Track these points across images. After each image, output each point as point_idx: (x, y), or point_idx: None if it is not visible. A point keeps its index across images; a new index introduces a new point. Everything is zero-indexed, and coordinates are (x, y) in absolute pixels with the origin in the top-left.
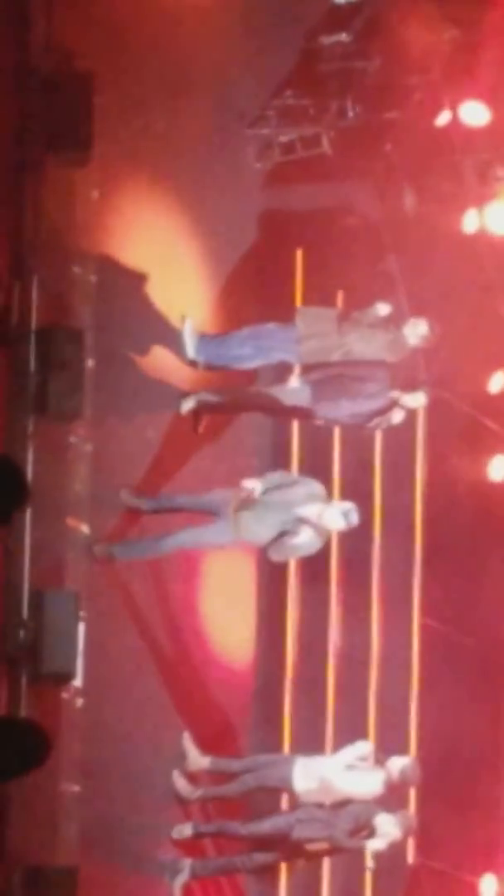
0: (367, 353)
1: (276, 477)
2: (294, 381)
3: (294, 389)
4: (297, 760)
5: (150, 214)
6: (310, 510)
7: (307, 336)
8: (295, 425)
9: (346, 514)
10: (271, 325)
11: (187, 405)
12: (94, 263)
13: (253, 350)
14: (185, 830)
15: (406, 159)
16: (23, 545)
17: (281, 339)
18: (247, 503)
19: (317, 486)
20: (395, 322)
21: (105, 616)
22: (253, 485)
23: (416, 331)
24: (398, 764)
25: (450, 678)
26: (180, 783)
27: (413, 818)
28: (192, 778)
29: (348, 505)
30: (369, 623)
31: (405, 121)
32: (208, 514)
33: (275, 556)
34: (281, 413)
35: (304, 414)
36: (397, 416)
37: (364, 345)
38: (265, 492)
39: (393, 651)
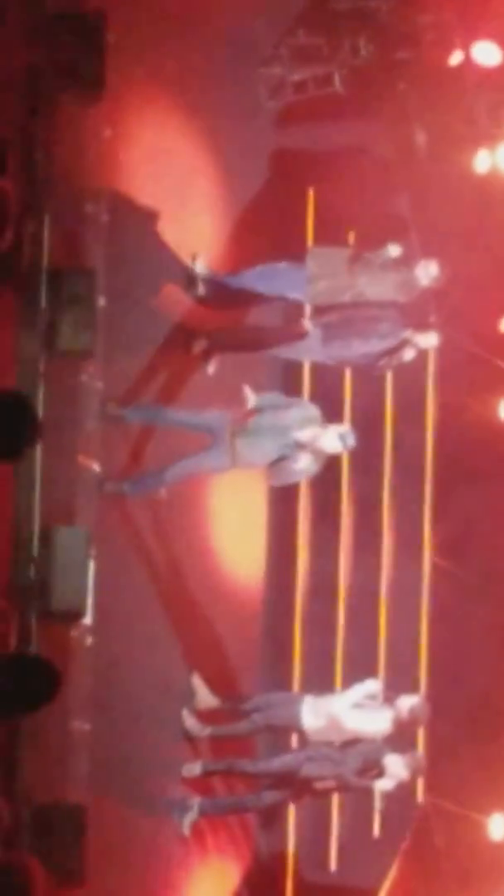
0: (379, 294)
1: (272, 397)
2: (307, 336)
3: (307, 346)
4: (306, 699)
5: (162, 153)
6: (306, 434)
7: (318, 276)
8: (306, 365)
9: (342, 437)
10: (283, 265)
11: (199, 345)
12: (107, 202)
13: (265, 288)
14: (195, 769)
15: (418, 99)
16: (33, 482)
17: (292, 279)
18: (242, 427)
19: (312, 409)
20: (406, 263)
21: (115, 554)
22: (249, 395)
23: (428, 272)
24: (407, 702)
25: (459, 617)
26: (189, 721)
27: (422, 759)
28: (202, 716)
29: (344, 428)
30: (379, 562)
31: (418, 60)
32: (204, 434)
33: (274, 482)
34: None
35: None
36: (408, 355)
37: (375, 286)
38: (260, 414)
39: (403, 589)
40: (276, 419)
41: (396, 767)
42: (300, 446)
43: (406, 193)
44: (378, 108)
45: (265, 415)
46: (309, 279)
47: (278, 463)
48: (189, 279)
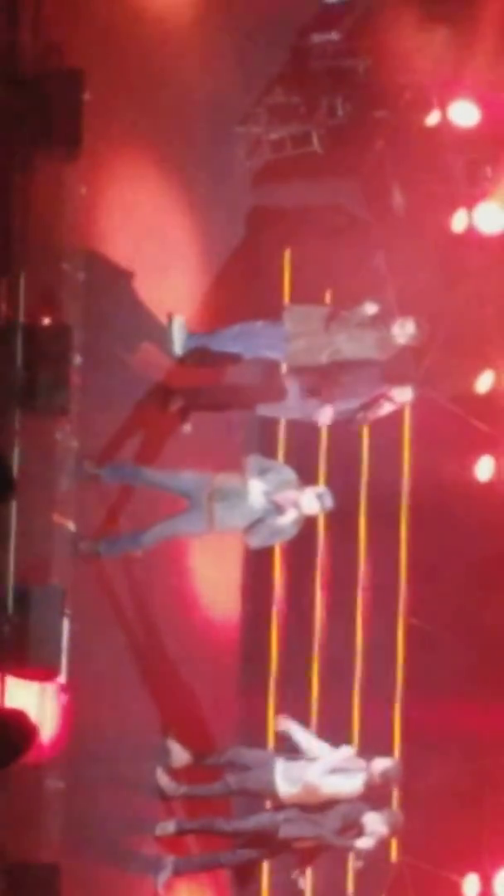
0: (356, 352)
1: (253, 463)
2: (285, 394)
3: (284, 404)
4: (278, 764)
5: (139, 211)
6: (284, 496)
7: (295, 335)
8: (282, 423)
9: (320, 497)
10: (260, 323)
11: (175, 403)
12: (83, 260)
13: (242, 348)
14: (169, 827)
15: (396, 158)
16: (8, 540)
17: (270, 337)
18: (220, 492)
19: (288, 472)
20: (383, 320)
21: (90, 612)
22: (255, 486)
23: (405, 330)
24: (380, 765)
25: (435, 676)
26: (164, 780)
27: (400, 816)
28: (176, 775)
29: (321, 489)
30: (354, 620)
31: (395, 120)
32: (181, 497)
33: (253, 542)
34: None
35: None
36: (385, 409)
37: (352, 344)
38: (238, 479)
39: (378, 647)
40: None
41: (376, 825)
42: (278, 508)
43: (382, 251)
44: (355, 167)
45: (245, 479)
46: (286, 337)
47: (256, 525)
48: (166, 340)
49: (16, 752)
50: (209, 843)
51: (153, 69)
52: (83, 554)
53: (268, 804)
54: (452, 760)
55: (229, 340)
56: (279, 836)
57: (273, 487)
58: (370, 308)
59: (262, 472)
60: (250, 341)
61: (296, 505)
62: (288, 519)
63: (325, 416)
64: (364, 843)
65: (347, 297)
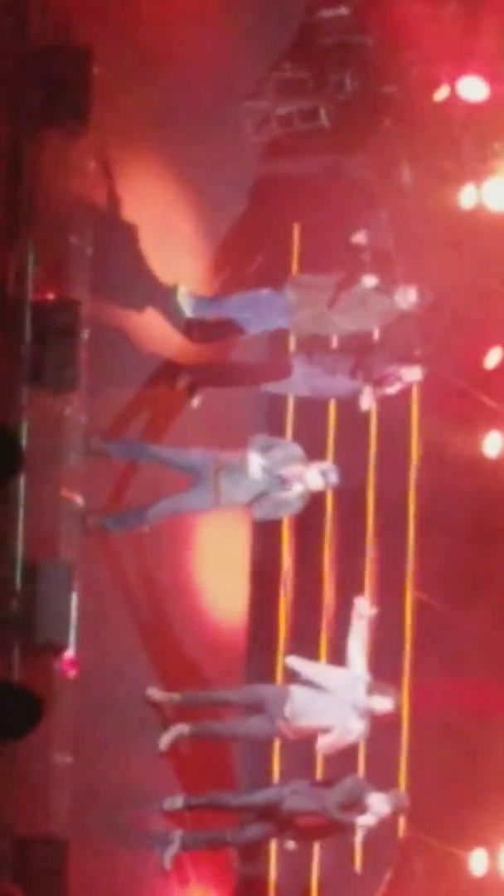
0: (360, 325)
1: (259, 441)
2: (292, 371)
3: (292, 381)
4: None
5: (147, 185)
6: (290, 470)
7: (298, 306)
8: (290, 401)
9: (325, 474)
10: (265, 292)
11: (183, 380)
12: (91, 234)
13: (251, 315)
14: (176, 802)
15: (404, 134)
16: (16, 515)
17: (276, 307)
18: (227, 468)
19: (294, 448)
20: (385, 290)
21: (98, 586)
22: (255, 461)
23: (407, 298)
24: (379, 703)
25: (442, 653)
26: (157, 695)
27: (405, 798)
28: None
29: (327, 465)
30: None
31: (403, 96)
32: (187, 475)
33: (258, 514)
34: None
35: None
36: (393, 388)
37: (355, 318)
38: (245, 455)
39: (385, 625)
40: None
41: (380, 806)
42: (284, 482)
43: (387, 218)
44: (363, 142)
45: (250, 456)
46: (290, 308)
47: (261, 497)
48: (174, 309)
49: (22, 728)
50: (216, 821)
51: (161, 44)
52: (90, 529)
53: (275, 780)
54: (460, 735)
55: (236, 308)
56: (284, 809)
57: (279, 462)
58: (369, 281)
59: (268, 448)
60: (257, 309)
61: (301, 480)
62: (293, 493)
63: (366, 400)
64: (366, 820)
65: (353, 268)
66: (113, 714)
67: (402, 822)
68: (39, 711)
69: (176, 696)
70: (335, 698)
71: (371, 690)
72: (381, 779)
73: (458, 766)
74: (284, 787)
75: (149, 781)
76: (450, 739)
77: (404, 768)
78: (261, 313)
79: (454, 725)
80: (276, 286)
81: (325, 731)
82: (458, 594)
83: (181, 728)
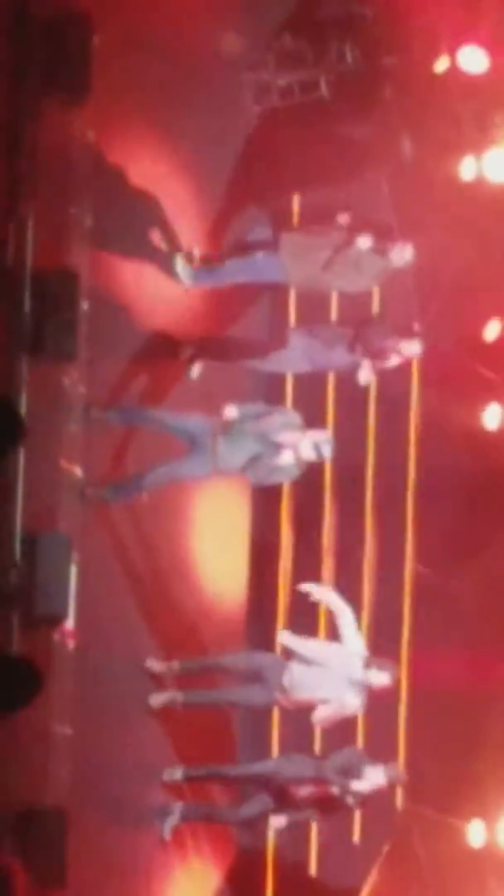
0: (356, 286)
1: (254, 407)
2: (291, 346)
3: (290, 356)
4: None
5: (147, 156)
6: (286, 436)
7: (292, 267)
8: (289, 376)
9: (317, 446)
10: (261, 255)
11: (185, 353)
12: (91, 205)
13: (249, 276)
14: (175, 773)
15: (404, 105)
16: (16, 487)
17: (272, 267)
18: (224, 431)
19: (293, 416)
20: (380, 250)
21: (97, 558)
22: (231, 411)
23: (403, 255)
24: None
25: (441, 623)
26: (156, 665)
27: (402, 771)
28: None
29: (322, 436)
30: (361, 570)
31: (404, 67)
32: (185, 441)
33: (253, 478)
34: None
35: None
36: (392, 362)
37: (350, 280)
38: (242, 421)
39: (385, 597)
40: (258, 426)
41: (376, 776)
42: (280, 447)
43: (385, 179)
44: (364, 113)
45: (247, 422)
46: (285, 270)
47: (258, 461)
48: (173, 274)
49: (21, 699)
50: (216, 792)
51: (162, 15)
52: (89, 499)
53: (274, 753)
54: (458, 707)
55: (233, 273)
56: (281, 778)
57: (277, 427)
58: (364, 243)
59: (266, 414)
60: (254, 273)
61: (295, 448)
62: (287, 459)
63: (364, 373)
64: (360, 785)
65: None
66: (112, 686)
67: (400, 794)
68: (38, 683)
69: (175, 666)
70: (331, 672)
71: (368, 665)
72: (380, 751)
73: (456, 738)
74: (281, 758)
75: (148, 753)
76: (448, 712)
77: (403, 740)
78: (258, 276)
79: (453, 697)
80: (272, 247)
81: (323, 702)
82: (457, 566)
83: (176, 694)
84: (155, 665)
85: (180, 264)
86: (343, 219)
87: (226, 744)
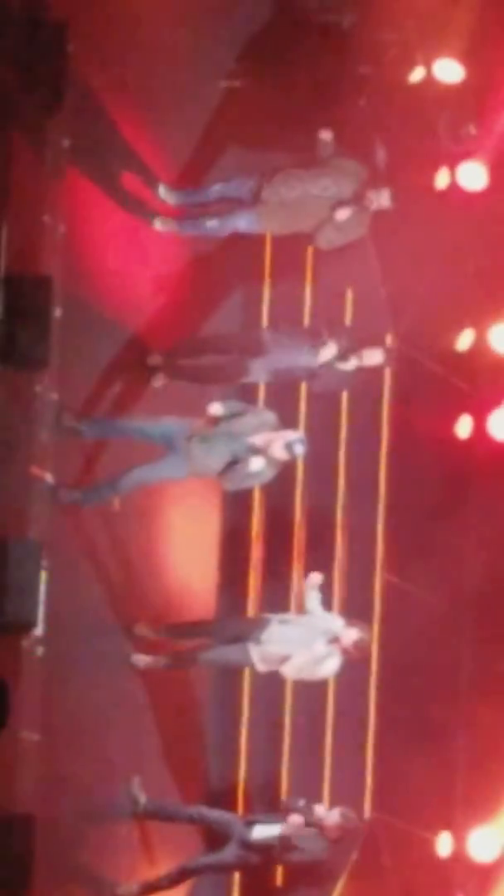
0: (345, 239)
1: (230, 404)
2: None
3: (255, 365)
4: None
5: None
6: (260, 438)
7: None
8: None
9: (289, 446)
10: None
11: (153, 360)
12: (64, 212)
13: (228, 193)
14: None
15: (379, 115)
16: None
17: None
18: (200, 434)
19: (268, 415)
20: (359, 201)
21: (68, 564)
22: (216, 408)
23: (380, 198)
24: (352, 634)
25: (409, 632)
26: (142, 660)
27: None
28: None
29: (294, 435)
30: (332, 576)
31: (379, 76)
32: (160, 445)
33: (228, 485)
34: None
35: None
36: (349, 365)
37: (339, 235)
38: (223, 420)
39: (355, 604)
40: (232, 427)
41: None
42: (254, 450)
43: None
44: (338, 122)
45: (224, 422)
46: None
47: (232, 466)
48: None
49: None
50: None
51: (138, 22)
52: (63, 502)
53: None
54: (425, 718)
55: (215, 192)
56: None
57: (251, 428)
58: (342, 214)
59: (240, 415)
60: (235, 189)
61: (271, 447)
62: (261, 463)
63: (326, 351)
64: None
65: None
66: (80, 691)
67: (367, 803)
68: (4, 697)
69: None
70: (308, 629)
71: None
72: (348, 765)
73: (425, 748)
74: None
75: (117, 759)
76: (416, 724)
77: (371, 752)
78: (237, 193)
79: (420, 709)
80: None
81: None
82: (427, 575)
83: (159, 658)
84: (140, 661)
85: (163, 191)
86: (325, 135)
87: (194, 748)
